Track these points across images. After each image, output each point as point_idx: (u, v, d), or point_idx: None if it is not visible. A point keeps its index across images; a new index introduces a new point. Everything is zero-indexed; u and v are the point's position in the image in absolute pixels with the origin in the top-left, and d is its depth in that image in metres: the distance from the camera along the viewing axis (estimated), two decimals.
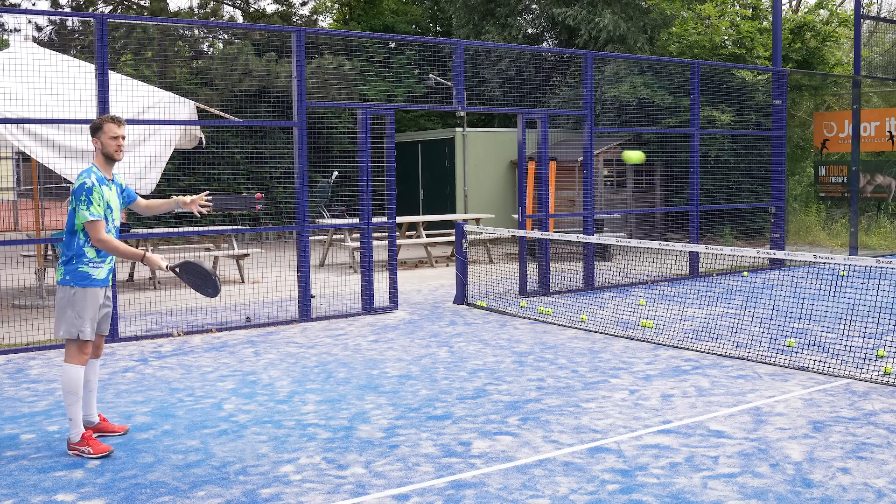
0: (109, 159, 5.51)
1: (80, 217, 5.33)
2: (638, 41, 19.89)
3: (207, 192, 6.01)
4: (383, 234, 14.68)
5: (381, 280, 11.47)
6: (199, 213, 5.97)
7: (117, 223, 5.57)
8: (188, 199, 5.90)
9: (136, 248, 5.68)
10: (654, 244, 8.93)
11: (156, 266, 5.50)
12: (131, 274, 13.21)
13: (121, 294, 10.60)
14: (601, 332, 8.99)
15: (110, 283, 5.63)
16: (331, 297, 11.29)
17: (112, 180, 5.56)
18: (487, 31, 21.89)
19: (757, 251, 8.48)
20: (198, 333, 9.15)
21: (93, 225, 5.31)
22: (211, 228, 12.66)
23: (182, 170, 17.02)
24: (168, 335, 9.00)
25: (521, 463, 5.07)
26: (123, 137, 5.53)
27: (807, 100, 20.45)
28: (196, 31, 20.87)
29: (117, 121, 5.51)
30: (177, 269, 5.62)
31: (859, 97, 16.44)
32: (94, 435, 5.54)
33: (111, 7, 24.71)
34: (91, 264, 5.41)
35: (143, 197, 8.03)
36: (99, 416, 5.70)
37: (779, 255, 8.15)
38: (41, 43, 20.09)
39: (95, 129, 5.49)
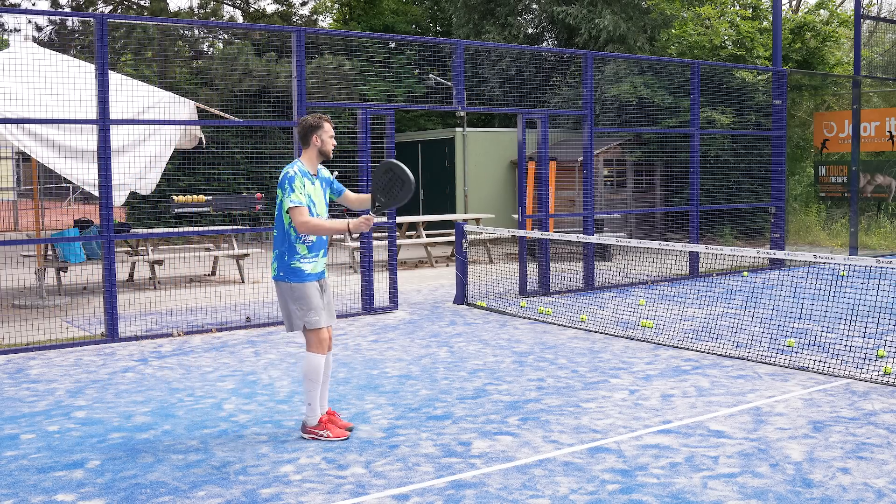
0: (321, 155, 5.63)
1: (284, 205, 5.44)
2: (638, 41, 19.89)
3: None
4: (383, 234, 14.68)
5: (381, 280, 11.47)
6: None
7: (323, 217, 5.63)
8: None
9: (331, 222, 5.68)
10: (654, 244, 8.93)
11: (365, 226, 5.51)
12: (131, 274, 13.21)
13: (121, 294, 10.58)
14: (601, 332, 8.99)
15: (326, 275, 5.72)
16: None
17: (316, 175, 5.65)
18: (487, 30, 21.88)
19: (757, 251, 8.48)
20: (198, 333, 9.15)
21: (295, 210, 5.41)
22: (211, 228, 12.65)
23: (182, 170, 17.02)
24: (168, 335, 9.01)
25: (521, 463, 5.06)
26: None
27: (807, 100, 20.44)
28: (196, 31, 20.87)
29: (331, 120, 5.68)
30: (377, 205, 5.58)
31: (859, 97, 16.43)
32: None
33: (111, 7, 24.70)
34: (303, 260, 5.51)
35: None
36: (329, 410, 5.75)
37: (779, 255, 8.15)
38: (41, 43, 20.09)
39: (315, 127, 5.58)
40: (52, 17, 22.42)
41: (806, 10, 23.78)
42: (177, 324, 9.54)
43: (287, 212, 5.45)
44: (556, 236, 10.38)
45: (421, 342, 8.59)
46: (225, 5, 26.33)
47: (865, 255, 14.46)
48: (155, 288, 12.44)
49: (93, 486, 4.78)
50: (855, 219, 16.03)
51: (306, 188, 5.50)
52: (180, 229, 13.13)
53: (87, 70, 10.16)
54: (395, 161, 5.57)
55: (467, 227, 11.20)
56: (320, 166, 5.76)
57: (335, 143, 5.68)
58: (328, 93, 19.43)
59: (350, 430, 5.69)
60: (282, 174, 5.52)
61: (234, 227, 14.87)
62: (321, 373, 5.55)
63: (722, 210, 16.69)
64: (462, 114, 19.01)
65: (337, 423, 5.66)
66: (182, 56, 20.60)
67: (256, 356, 8.02)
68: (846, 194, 17.76)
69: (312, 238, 5.55)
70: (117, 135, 9.54)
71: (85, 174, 9.47)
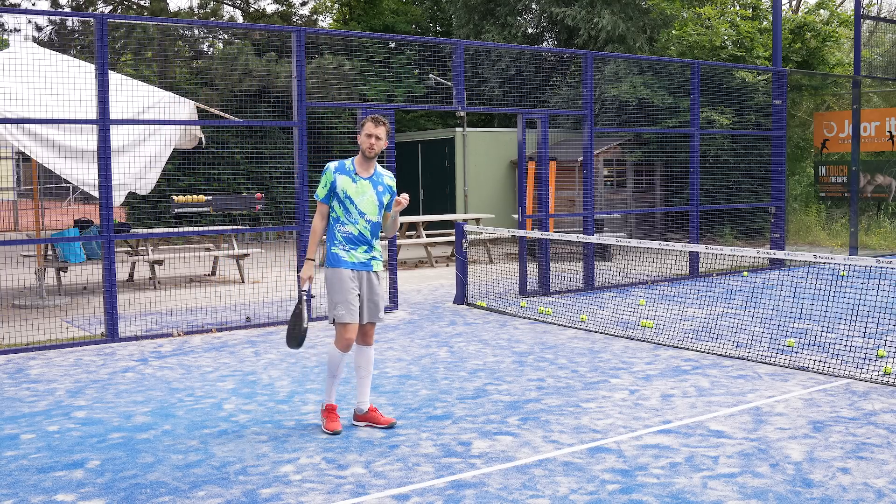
0: (362, 153, 5.73)
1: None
2: (637, 41, 19.89)
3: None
4: (383, 233, 14.66)
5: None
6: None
7: (369, 217, 5.73)
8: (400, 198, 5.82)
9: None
10: (654, 244, 8.93)
11: (303, 281, 5.77)
12: (131, 274, 13.21)
13: (121, 294, 10.56)
14: (601, 332, 8.99)
15: (374, 269, 5.81)
16: None
17: (369, 177, 5.72)
18: (487, 30, 21.89)
19: (757, 251, 8.48)
20: (198, 333, 9.15)
21: (317, 203, 5.72)
22: (211, 228, 12.65)
23: (182, 170, 17.02)
24: (168, 335, 9.00)
25: (521, 463, 5.06)
26: (378, 137, 5.68)
27: (807, 100, 20.44)
28: (196, 31, 20.87)
29: (376, 120, 5.71)
30: (301, 303, 5.78)
31: (859, 97, 16.43)
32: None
33: (111, 7, 24.70)
34: (339, 246, 5.71)
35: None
36: (371, 407, 5.88)
37: (779, 255, 8.15)
38: (41, 43, 20.09)
39: (360, 128, 5.77)
40: (52, 17, 22.41)
41: (806, 10, 23.78)
42: (177, 324, 9.54)
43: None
44: (556, 236, 10.38)
45: (421, 342, 8.59)
46: (225, 5, 26.33)
47: (865, 255, 14.46)
48: (155, 288, 12.43)
49: (93, 486, 4.78)
50: (855, 219, 16.03)
51: (338, 184, 5.64)
52: (180, 229, 13.13)
53: (87, 70, 10.16)
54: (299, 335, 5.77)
55: (467, 227, 11.20)
56: (382, 171, 5.82)
57: (371, 141, 5.65)
58: (328, 93, 19.43)
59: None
60: None
61: (234, 227, 14.88)
62: (338, 367, 5.71)
63: (722, 210, 16.69)
64: (462, 114, 19.01)
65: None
66: (182, 56, 20.60)
67: (256, 356, 8.02)
68: (846, 194, 17.75)
69: (349, 229, 5.68)
70: (117, 135, 9.54)
71: (84, 174, 9.47)
